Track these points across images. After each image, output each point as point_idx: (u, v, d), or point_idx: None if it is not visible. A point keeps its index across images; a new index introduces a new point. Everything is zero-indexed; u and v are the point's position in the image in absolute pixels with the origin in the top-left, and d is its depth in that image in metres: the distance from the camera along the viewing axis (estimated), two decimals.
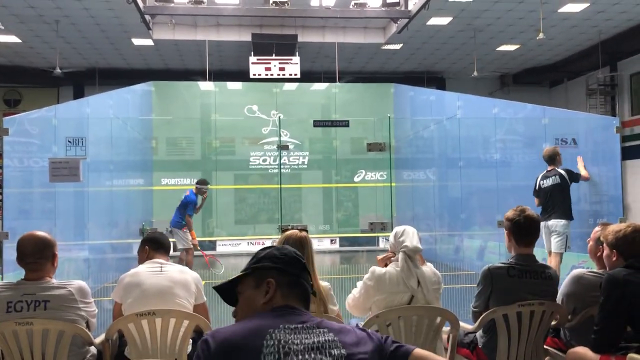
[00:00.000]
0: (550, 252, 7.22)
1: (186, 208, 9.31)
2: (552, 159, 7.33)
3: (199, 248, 9.10)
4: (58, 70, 13.85)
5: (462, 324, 3.33)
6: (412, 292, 3.17)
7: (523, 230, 3.30)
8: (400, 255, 3.27)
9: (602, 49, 14.62)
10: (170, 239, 7.34)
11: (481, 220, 10.72)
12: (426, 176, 13.00)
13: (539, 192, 7.34)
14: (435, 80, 17.92)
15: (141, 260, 3.65)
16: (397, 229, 3.43)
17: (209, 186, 9.72)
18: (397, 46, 14.87)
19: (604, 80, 15.92)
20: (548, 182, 7.27)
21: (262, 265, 1.77)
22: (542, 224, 6.90)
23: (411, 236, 3.33)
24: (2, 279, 5.21)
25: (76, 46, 14.35)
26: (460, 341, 3.50)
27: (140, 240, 3.76)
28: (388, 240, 3.49)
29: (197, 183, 9.55)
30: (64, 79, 15.78)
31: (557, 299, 3.35)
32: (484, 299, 3.30)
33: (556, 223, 7.12)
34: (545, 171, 7.35)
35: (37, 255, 3.07)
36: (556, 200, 7.17)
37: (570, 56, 16.06)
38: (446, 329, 3.27)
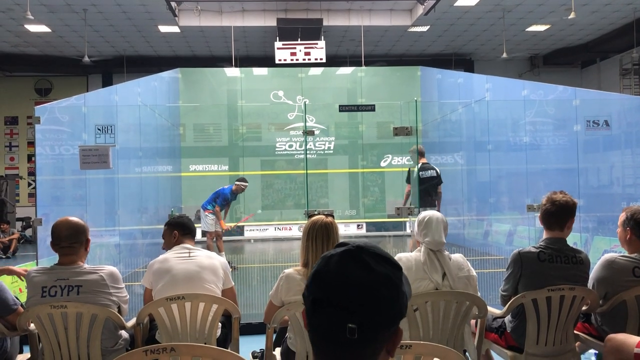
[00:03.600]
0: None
1: (216, 198, 9.47)
2: (423, 153, 8.30)
3: (231, 228, 9.30)
4: (87, 59, 14.04)
5: (490, 308, 3.30)
6: (435, 285, 3.05)
7: (554, 215, 3.25)
8: (422, 249, 3.14)
9: (637, 27, 14.16)
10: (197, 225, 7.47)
11: (510, 204, 10.58)
12: (454, 160, 12.85)
13: (421, 181, 8.00)
14: (463, 62, 17.61)
15: (167, 244, 3.68)
16: (421, 216, 3.23)
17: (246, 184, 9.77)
18: (424, 28, 14.65)
19: (639, 59, 15.44)
20: (427, 174, 8.05)
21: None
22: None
23: (434, 228, 3.14)
24: (37, 264, 5.35)
25: (104, 34, 14.52)
26: (489, 326, 3.47)
27: (164, 224, 3.78)
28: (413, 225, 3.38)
29: (237, 180, 9.64)
30: (93, 67, 16.01)
31: (588, 283, 3.29)
32: (513, 283, 3.26)
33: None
34: (420, 164, 8.07)
35: (71, 239, 3.14)
36: (432, 191, 8.02)
37: (603, 35, 15.59)
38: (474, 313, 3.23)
